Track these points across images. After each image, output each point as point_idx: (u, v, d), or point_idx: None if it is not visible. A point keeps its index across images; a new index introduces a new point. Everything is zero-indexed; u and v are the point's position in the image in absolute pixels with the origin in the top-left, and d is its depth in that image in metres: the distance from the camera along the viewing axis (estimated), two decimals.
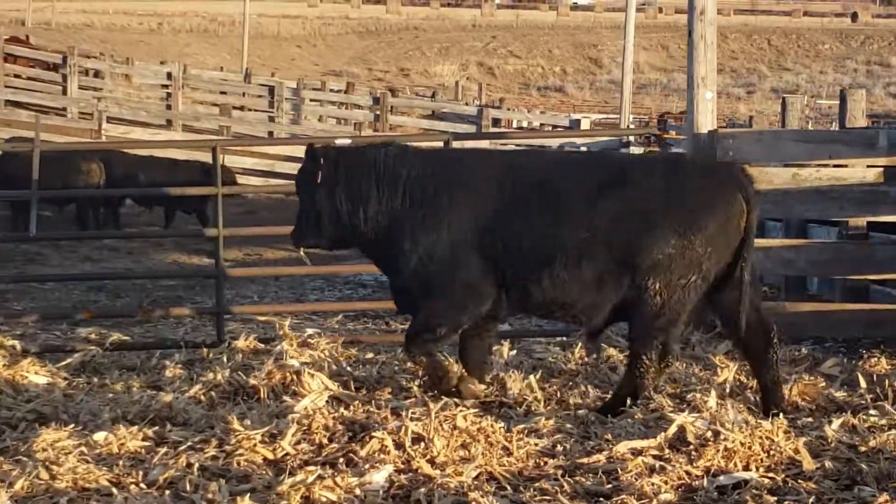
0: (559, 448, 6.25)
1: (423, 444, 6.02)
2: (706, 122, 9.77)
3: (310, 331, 9.69)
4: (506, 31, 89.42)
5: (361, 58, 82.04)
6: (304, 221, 7.68)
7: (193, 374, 8.30)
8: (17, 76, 36.19)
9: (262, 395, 7.31)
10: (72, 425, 6.58)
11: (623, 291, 7.07)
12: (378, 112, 34.49)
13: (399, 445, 6.03)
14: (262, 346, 9.22)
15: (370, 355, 9.24)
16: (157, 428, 6.56)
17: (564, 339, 9.74)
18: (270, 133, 32.85)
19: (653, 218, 7.00)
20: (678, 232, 6.96)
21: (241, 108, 37.29)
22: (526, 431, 6.42)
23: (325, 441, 6.15)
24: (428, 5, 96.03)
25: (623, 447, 6.13)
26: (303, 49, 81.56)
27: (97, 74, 38.75)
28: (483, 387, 7.40)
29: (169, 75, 36.92)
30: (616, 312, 7.22)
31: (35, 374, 8.23)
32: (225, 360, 8.78)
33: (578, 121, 33.17)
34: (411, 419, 6.18)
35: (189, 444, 6.21)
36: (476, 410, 6.50)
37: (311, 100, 38.25)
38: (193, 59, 62.78)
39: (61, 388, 7.77)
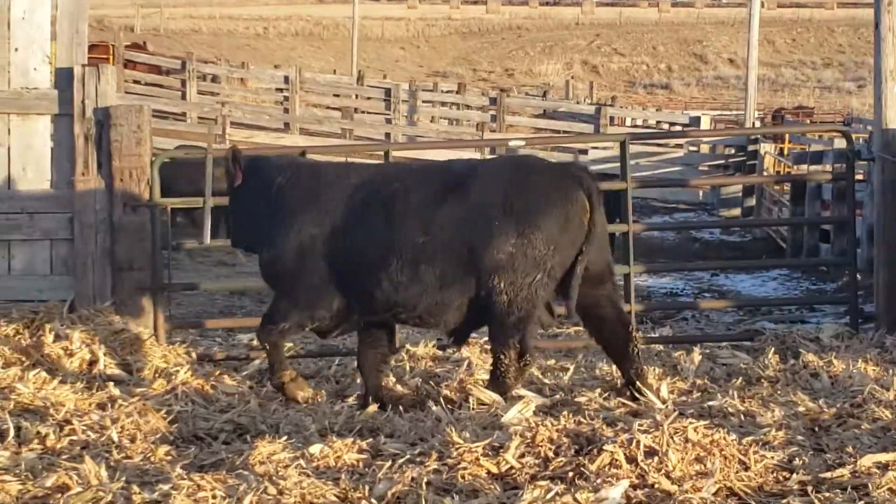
0: (797, 462, 5.94)
1: (656, 459, 5.74)
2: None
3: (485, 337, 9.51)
4: (609, 28, 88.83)
5: (465, 58, 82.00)
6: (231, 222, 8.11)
7: None
8: (136, 82, 36.58)
9: (472, 405, 7.11)
10: (284, 437, 6.42)
11: (471, 293, 7.21)
12: (494, 112, 34.28)
13: (631, 459, 5.75)
14: (440, 352, 9.05)
15: (551, 361, 9.00)
16: (370, 440, 6.37)
17: (749, 342, 9.44)
18: (387, 135, 32.76)
19: (493, 219, 7.13)
20: (518, 231, 7.09)
21: (355, 111, 37.26)
22: (759, 444, 6.13)
23: (550, 454, 5.89)
24: (527, 4, 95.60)
25: (868, 461, 5.79)
26: (406, 51, 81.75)
27: (214, 79, 39.01)
28: (308, 393, 7.61)
29: (286, 79, 37.02)
30: (475, 314, 7.33)
31: (222, 384, 8.13)
32: (407, 367, 8.63)
33: (698, 118, 32.69)
34: (640, 431, 5.91)
35: (408, 456, 5.99)
36: (706, 423, 6.19)
37: (423, 101, 38.13)
38: (299, 62, 62.98)
39: (256, 399, 7.63)
